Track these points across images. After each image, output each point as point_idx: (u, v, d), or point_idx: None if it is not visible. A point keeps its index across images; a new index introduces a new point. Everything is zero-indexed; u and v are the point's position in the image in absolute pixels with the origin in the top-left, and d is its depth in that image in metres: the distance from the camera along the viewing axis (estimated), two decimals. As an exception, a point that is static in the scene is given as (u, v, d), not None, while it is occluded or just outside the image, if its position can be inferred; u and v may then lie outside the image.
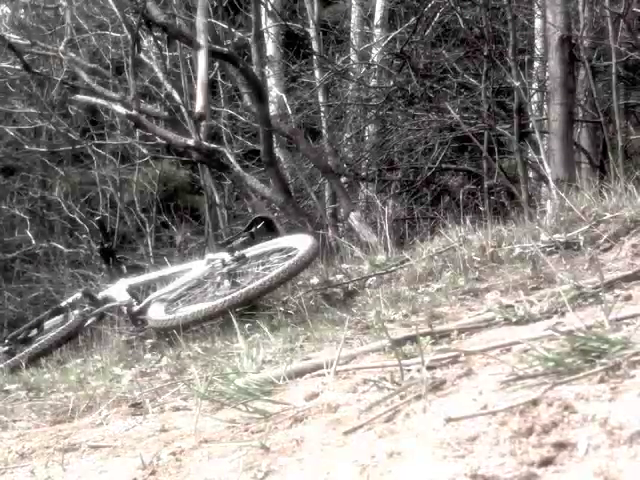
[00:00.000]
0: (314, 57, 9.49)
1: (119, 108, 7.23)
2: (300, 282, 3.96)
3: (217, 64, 8.54)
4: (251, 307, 3.61)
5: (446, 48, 8.67)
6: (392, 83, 9.06)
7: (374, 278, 3.74)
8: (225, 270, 4.02)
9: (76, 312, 4.37)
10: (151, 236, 10.11)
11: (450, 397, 1.23)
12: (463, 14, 8.12)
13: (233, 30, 7.65)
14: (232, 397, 1.52)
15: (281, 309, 3.59)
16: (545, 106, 8.50)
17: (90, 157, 10.64)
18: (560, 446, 0.97)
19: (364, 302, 3.34)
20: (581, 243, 3.29)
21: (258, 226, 4.39)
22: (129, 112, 6.86)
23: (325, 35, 9.94)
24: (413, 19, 8.49)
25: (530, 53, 9.22)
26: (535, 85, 9.10)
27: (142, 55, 7.98)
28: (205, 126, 7.56)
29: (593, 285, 1.84)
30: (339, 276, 3.91)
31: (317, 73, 9.59)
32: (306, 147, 7.85)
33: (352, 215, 6.94)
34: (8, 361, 4.17)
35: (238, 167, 7.09)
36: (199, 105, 5.75)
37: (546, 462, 0.96)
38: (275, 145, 7.81)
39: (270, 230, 4.46)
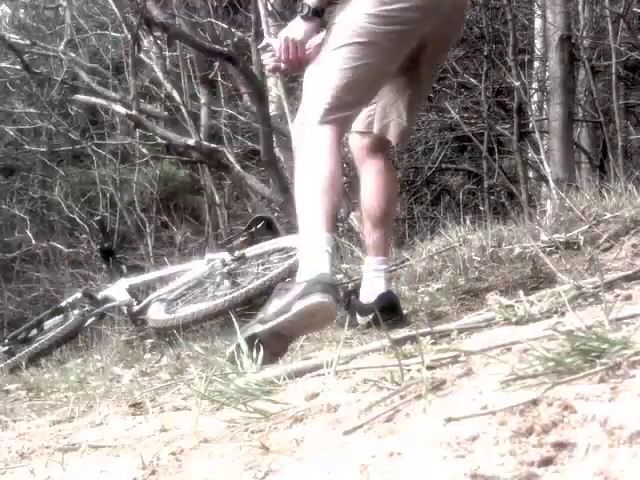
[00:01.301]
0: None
1: (119, 108, 7.24)
2: (300, 282, 3.95)
3: (217, 64, 8.54)
4: (251, 307, 3.61)
5: (446, 48, 8.66)
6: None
7: (374, 278, 3.73)
8: (225, 270, 4.02)
9: (76, 312, 4.37)
10: (151, 236, 10.10)
11: (450, 397, 1.23)
12: (463, 14, 8.11)
13: (233, 30, 7.64)
14: (232, 397, 1.52)
15: (281, 309, 3.58)
16: (545, 106, 8.51)
17: (90, 157, 10.64)
18: (560, 446, 0.97)
19: (364, 302, 3.33)
20: (581, 243, 3.29)
21: (258, 226, 4.40)
22: (129, 112, 6.87)
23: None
24: (413, 19, 8.47)
25: (530, 53, 9.22)
26: (535, 85, 9.10)
27: (142, 55, 7.97)
28: (206, 126, 7.57)
29: (593, 285, 1.84)
30: (339, 276, 3.90)
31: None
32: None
33: (352, 215, 6.93)
34: (8, 361, 4.17)
35: (238, 167, 7.09)
36: None
37: (546, 462, 0.96)
38: (275, 145, 7.80)
39: (270, 230, 4.46)
